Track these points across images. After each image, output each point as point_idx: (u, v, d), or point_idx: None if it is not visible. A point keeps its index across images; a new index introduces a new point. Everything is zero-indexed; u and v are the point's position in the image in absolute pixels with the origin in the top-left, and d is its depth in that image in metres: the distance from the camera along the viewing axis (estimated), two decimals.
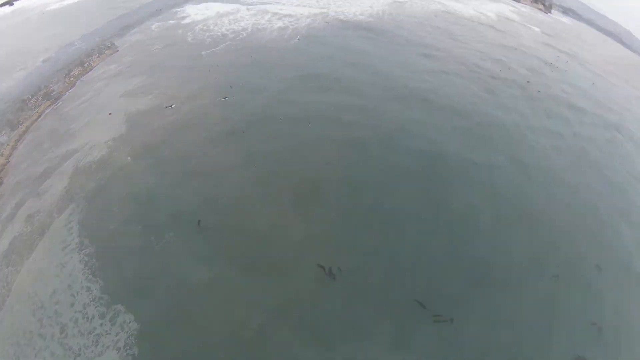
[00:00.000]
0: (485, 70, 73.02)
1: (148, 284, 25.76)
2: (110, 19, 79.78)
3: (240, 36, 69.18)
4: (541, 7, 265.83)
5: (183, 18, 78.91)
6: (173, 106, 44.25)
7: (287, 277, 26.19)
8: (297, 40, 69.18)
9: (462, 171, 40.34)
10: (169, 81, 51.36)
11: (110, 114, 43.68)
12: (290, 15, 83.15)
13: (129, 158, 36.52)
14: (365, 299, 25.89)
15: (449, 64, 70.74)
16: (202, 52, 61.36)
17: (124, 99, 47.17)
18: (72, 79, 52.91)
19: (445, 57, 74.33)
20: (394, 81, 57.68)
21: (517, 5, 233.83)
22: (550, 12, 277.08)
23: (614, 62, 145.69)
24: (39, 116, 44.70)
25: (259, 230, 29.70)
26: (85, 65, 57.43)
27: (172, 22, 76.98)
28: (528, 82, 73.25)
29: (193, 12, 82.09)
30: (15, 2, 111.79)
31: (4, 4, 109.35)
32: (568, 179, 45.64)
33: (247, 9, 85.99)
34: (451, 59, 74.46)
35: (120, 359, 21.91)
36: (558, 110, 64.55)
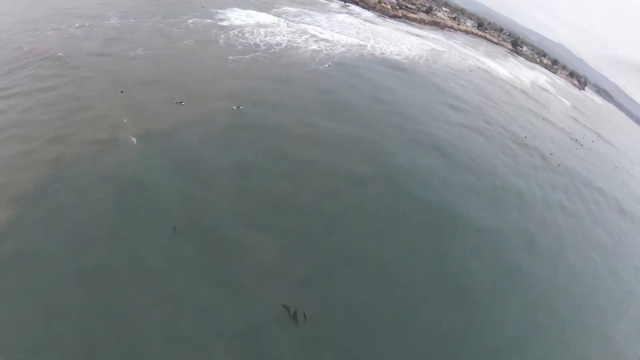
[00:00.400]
0: (510, 133, 71.88)
1: (106, 279, 24.09)
2: (153, 4, 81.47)
3: (272, 50, 68.97)
4: (576, 82, 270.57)
5: (222, 20, 79.47)
6: (183, 103, 43.30)
7: (249, 307, 23.66)
8: (327, 65, 68.84)
9: (465, 232, 38.20)
10: (188, 77, 50.77)
11: (122, 92, 43.07)
12: (327, 40, 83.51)
13: (133, 139, 35.43)
14: (326, 357, 22.96)
15: (474, 120, 69.68)
16: (230, 57, 60.98)
17: (141, 83, 46.54)
18: (98, 52, 52.61)
19: (473, 113, 73.42)
20: (414, 125, 56.51)
21: (553, 76, 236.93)
22: (583, 89, 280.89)
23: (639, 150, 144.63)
24: (58, 82, 44.37)
25: (233, 248, 27.51)
26: (113, 42, 56.88)
27: (209, 21, 77.38)
28: (551, 154, 72.08)
29: (234, 17, 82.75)
30: None
31: None
32: (573, 261, 43.67)
33: (287, 25, 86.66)
34: (478, 115, 73.52)
35: None
36: (576, 188, 63.79)
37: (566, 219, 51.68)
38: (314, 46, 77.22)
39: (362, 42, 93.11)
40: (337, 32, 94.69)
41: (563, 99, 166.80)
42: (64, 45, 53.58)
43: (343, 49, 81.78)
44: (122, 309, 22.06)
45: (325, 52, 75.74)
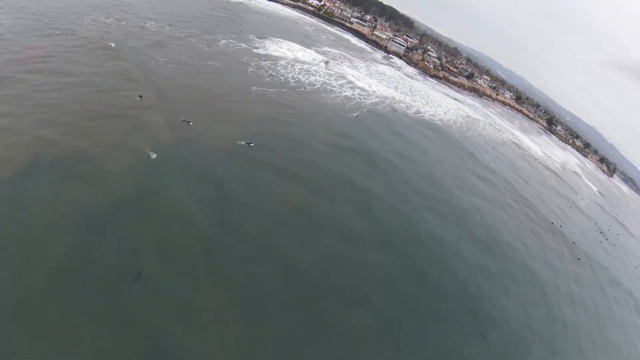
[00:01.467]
0: (538, 216, 67.56)
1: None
2: (192, 16, 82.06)
3: (302, 89, 66.53)
4: (605, 168, 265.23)
5: (257, 48, 78.09)
6: (190, 123, 40.42)
7: None
8: (355, 115, 65.92)
9: (476, 326, 33.08)
10: (204, 97, 47.97)
11: (140, 97, 41.19)
12: (363, 89, 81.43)
13: (150, 152, 33.30)
14: None
15: (502, 197, 65.64)
16: (252, 87, 58.17)
17: (159, 91, 44.35)
18: (131, 50, 52.63)
19: (501, 189, 69.36)
20: (437, 191, 52.86)
21: (583, 160, 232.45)
22: (612, 177, 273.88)
23: None
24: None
25: (194, 312, 22.44)
26: (141, 44, 56.24)
27: (244, 45, 76.11)
28: (574, 242, 68.04)
29: (273, 47, 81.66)
30: None
31: None
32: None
33: (326, 67, 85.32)
34: (507, 192, 69.43)
35: None
36: (597, 282, 59.50)
37: (585, 316, 47.75)
38: (348, 92, 75.26)
39: (398, 96, 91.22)
40: (376, 82, 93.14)
41: (591, 185, 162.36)
42: (113, 37, 55.34)
43: (377, 99, 79.66)
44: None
45: (357, 100, 73.60)
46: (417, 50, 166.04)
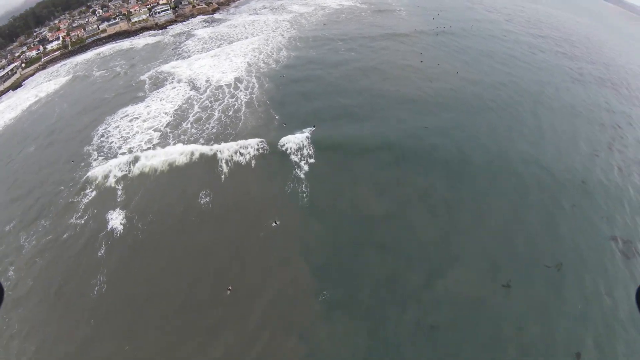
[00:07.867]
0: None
1: None
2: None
3: (220, 139, 57.98)
4: None
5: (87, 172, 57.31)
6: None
7: None
8: (284, 123, 61.06)
9: None
10: None
11: None
12: (230, 86, 75.50)
13: None
14: None
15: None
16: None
17: None
18: None
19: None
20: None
21: None
22: None
23: None
24: None
25: None
26: None
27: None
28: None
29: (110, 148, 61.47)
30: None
31: None
32: None
33: (196, 91, 74.85)
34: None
35: None
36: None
37: None
38: (229, 102, 69.48)
39: (253, 60, 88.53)
40: (223, 67, 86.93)
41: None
42: None
43: (245, 89, 74.79)
44: None
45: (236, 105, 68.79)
46: (181, 3, 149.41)
